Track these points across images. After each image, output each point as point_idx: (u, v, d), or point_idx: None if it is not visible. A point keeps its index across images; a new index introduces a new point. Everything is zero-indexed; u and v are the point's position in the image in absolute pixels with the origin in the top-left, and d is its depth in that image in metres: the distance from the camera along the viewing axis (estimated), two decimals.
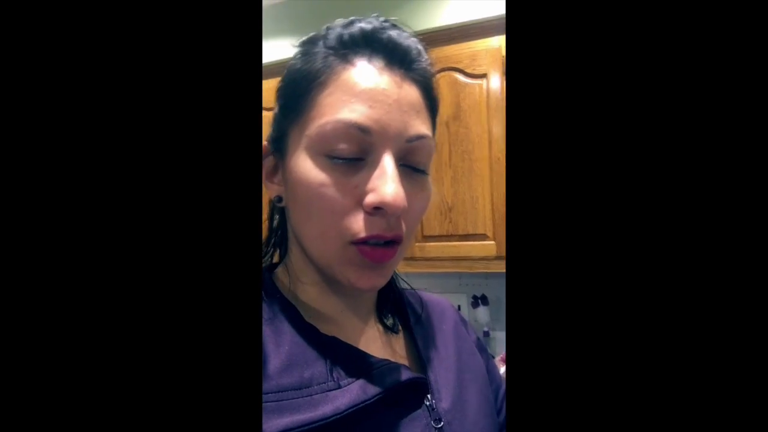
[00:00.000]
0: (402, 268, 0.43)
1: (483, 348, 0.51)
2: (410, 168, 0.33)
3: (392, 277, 0.44)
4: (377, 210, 0.31)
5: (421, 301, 0.48)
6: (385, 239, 0.32)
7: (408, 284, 0.48)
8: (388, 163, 0.31)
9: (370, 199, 0.30)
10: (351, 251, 0.32)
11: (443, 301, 0.52)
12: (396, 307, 0.45)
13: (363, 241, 0.32)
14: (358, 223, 0.31)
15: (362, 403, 0.31)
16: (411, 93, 0.33)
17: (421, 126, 0.33)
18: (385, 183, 0.30)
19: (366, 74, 0.31)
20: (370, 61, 0.32)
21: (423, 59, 0.35)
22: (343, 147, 0.31)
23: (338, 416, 0.30)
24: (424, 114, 0.34)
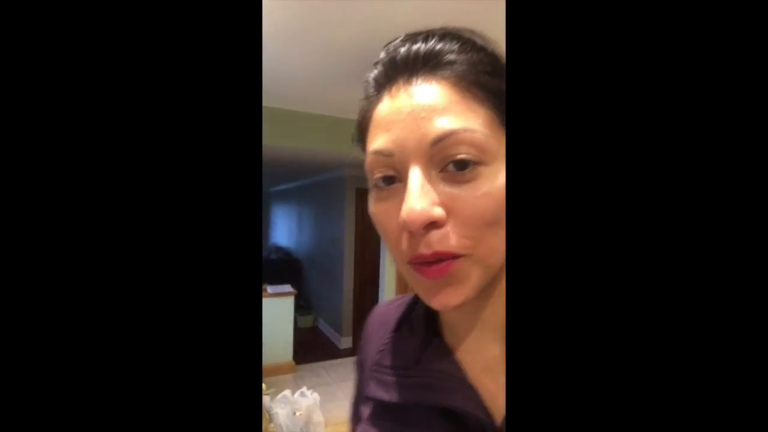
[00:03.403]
0: None
1: None
2: (455, 168, 0.30)
3: None
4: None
5: None
6: (426, 259, 0.30)
7: None
8: (412, 178, 0.29)
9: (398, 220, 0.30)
10: (411, 271, 0.32)
11: None
12: None
13: (414, 261, 0.31)
14: (405, 244, 0.31)
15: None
16: (429, 95, 0.30)
17: (444, 123, 0.29)
18: (405, 201, 0.29)
19: (389, 101, 0.32)
20: (396, 85, 0.32)
21: (454, 50, 0.32)
22: (379, 175, 0.32)
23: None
24: (457, 107, 0.30)
